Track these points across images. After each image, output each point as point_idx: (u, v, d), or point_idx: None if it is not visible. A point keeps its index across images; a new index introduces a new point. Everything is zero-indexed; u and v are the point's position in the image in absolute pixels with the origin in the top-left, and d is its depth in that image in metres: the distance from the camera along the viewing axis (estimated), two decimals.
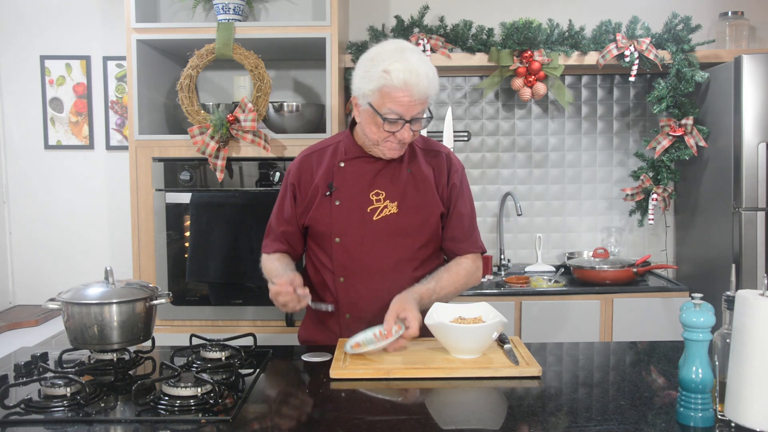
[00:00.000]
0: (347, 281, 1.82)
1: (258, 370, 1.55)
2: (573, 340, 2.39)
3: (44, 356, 1.63)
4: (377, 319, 1.77)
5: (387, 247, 1.80)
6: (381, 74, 1.67)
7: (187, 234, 2.70)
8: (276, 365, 1.63)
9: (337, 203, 1.82)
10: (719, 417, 1.21)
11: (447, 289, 1.81)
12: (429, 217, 1.83)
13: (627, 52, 2.96)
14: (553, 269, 3.19)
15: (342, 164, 1.85)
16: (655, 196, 3.08)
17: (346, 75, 3.01)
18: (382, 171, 1.83)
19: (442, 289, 1.80)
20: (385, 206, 1.81)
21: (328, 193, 1.83)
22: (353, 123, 1.86)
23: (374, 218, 1.81)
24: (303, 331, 1.98)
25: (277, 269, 1.81)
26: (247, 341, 1.73)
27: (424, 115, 1.74)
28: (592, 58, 3.02)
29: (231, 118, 2.58)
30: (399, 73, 1.66)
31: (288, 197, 1.89)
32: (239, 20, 2.77)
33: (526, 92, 3.07)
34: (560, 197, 3.36)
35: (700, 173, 3.06)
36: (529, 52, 3.00)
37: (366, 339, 1.64)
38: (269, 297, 1.70)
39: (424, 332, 1.64)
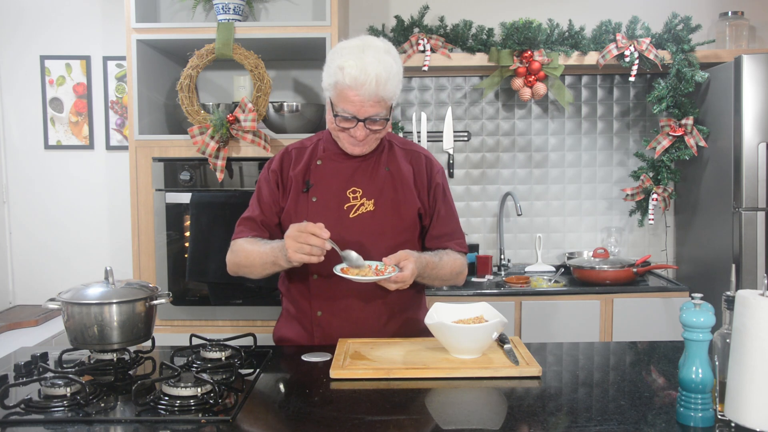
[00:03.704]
0: (321, 279, 1.81)
1: (258, 370, 1.55)
2: (573, 340, 2.40)
3: (44, 356, 1.63)
4: (349, 317, 1.78)
5: (363, 246, 1.77)
6: (336, 70, 1.69)
7: (187, 234, 2.70)
8: (276, 365, 1.63)
9: (314, 200, 1.81)
10: (719, 417, 1.21)
11: (445, 269, 1.82)
12: (405, 216, 1.82)
13: (627, 52, 2.96)
14: (553, 269, 3.19)
15: (319, 162, 1.85)
16: (655, 196, 3.08)
17: None
18: (359, 169, 1.83)
19: (441, 268, 1.80)
20: (362, 204, 1.81)
21: (305, 190, 1.82)
22: None
23: (351, 216, 1.80)
24: (277, 329, 1.96)
25: (271, 244, 1.74)
26: (247, 341, 1.73)
27: (382, 117, 1.72)
28: (592, 58, 3.02)
29: (231, 118, 2.58)
30: (351, 70, 1.65)
31: (270, 186, 1.86)
32: (239, 20, 2.77)
33: (526, 92, 3.07)
34: (560, 197, 3.36)
35: (700, 173, 3.06)
36: (529, 52, 3.00)
37: (358, 269, 1.68)
38: (287, 245, 1.61)
39: (425, 332, 1.64)
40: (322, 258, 1.63)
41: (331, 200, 1.81)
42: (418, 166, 1.88)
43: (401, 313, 1.85)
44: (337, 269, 1.66)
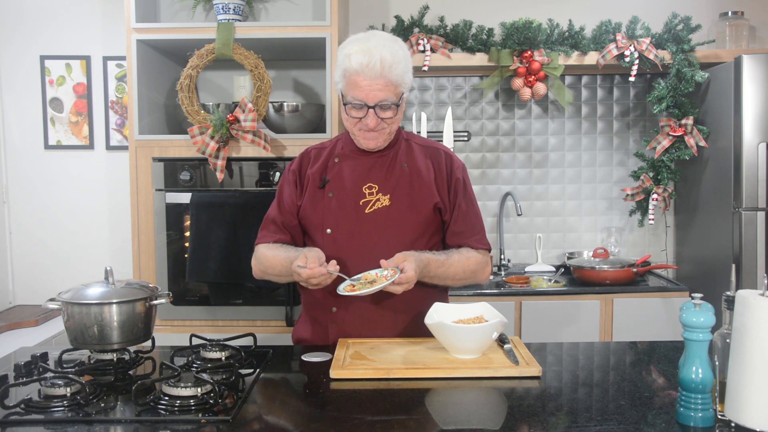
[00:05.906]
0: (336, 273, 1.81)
1: (258, 370, 1.55)
2: (573, 340, 2.40)
3: (44, 356, 1.63)
4: (364, 314, 1.78)
5: (378, 240, 1.78)
6: (343, 58, 1.73)
7: (187, 234, 2.70)
8: (276, 365, 1.63)
9: (330, 195, 1.83)
10: (719, 417, 1.21)
11: (455, 268, 1.79)
12: (422, 211, 1.82)
13: (627, 52, 2.96)
14: (553, 269, 3.19)
15: (336, 159, 1.87)
16: (655, 196, 3.08)
17: None
18: (376, 165, 1.84)
19: (450, 266, 1.78)
20: (378, 199, 1.82)
21: (321, 186, 1.84)
22: None
23: (366, 211, 1.81)
24: (295, 331, 1.97)
25: (288, 252, 1.79)
26: (247, 341, 1.73)
27: (391, 102, 1.73)
28: (592, 58, 3.02)
29: (231, 118, 2.58)
30: (356, 55, 1.70)
31: (289, 186, 1.89)
32: (239, 20, 2.77)
33: (526, 92, 3.07)
34: (560, 197, 3.36)
35: (700, 173, 3.06)
36: (529, 52, 3.00)
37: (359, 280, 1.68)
38: (296, 278, 1.70)
39: (425, 332, 1.64)
40: (329, 281, 1.69)
41: (347, 196, 1.82)
42: (438, 162, 1.88)
43: (418, 313, 1.80)
44: (341, 290, 1.66)
